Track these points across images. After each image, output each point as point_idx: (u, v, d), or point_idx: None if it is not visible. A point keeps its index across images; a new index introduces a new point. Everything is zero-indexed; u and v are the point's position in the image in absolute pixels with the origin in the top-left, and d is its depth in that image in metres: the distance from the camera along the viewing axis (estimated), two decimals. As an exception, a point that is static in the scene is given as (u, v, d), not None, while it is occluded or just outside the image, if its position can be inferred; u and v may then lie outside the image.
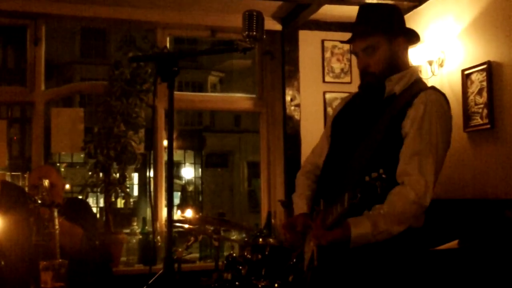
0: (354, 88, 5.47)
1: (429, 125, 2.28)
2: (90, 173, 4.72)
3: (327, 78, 5.27)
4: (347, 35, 5.53)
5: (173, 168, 2.05)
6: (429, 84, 2.57)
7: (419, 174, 2.22)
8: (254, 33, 2.02)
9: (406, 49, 2.54)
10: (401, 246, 2.29)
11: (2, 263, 3.28)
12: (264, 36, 2.04)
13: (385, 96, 2.42)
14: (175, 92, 2.02)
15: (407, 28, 2.53)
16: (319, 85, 5.26)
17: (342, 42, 2.57)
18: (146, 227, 4.90)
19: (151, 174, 5.12)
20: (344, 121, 2.59)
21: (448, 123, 2.40)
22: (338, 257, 2.33)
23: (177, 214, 6.34)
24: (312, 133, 5.15)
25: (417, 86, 2.43)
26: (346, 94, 5.24)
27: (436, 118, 2.30)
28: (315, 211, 2.35)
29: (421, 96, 2.33)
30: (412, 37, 2.54)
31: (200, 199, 22.45)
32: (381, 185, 1.88)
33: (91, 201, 13.69)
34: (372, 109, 2.43)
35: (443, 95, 2.44)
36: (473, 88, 4.00)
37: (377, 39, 2.42)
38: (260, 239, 3.72)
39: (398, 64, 2.46)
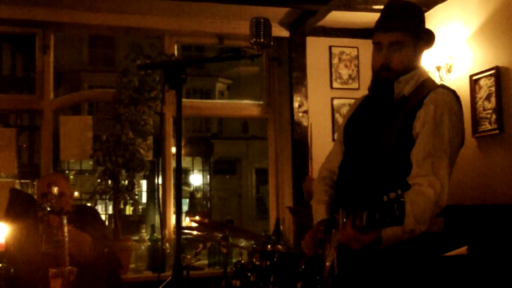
0: (362, 94, 5.46)
1: (440, 125, 2.26)
2: (98, 180, 4.73)
3: (335, 84, 5.27)
4: (354, 41, 5.58)
5: (181, 175, 2.05)
6: None
7: (433, 175, 2.21)
8: (262, 40, 2.02)
9: (422, 53, 2.53)
10: (423, 252, 2.29)
11: (12, 270, 3.29)
12: (272, 43, 2.04)
13: (394, 98, 2.41)
14: (183, 99, 2.03)
15: (430, 33, 2.50)
16: (327, 91, 5.26)
17: (375, 30, 2.49)
18: (155, 234, 4.90)
19: (160, 181, 5.13)
20: (356, 126, 2.58)
21: (460, 121, 2.38)
22: (358, 264, 2.32)
23: (185, 221, 6.35)
24: (320, 139, 5.15)
25: (426, 85, 2.41)
26: (354, 101, 5.28)
27: (447, 117, 2.28)
28: (336, 219, 2.34)
29: (430, 95, 2.32)
30: (431, 43, 2.52)
31: (209, 205, 22.45)
32: (399, 207, 1.88)
33: (100, 208, 13.74)
34: (383, 112, 2.42)
35: (453, 92, 2.42)
36: (482, 94, 3.99)
37: (407, 38, 2.40)
38: (269, 246, 3.71)
39: (412, 67, 2.44)
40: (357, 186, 2.36)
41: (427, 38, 2.48)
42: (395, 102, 2.40)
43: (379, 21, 2.49)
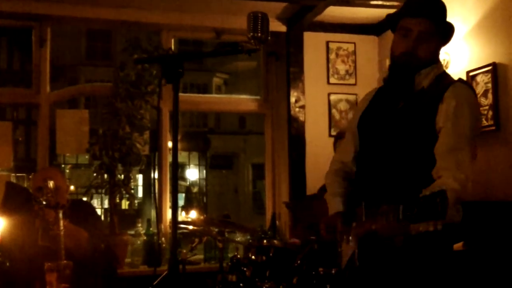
0: (358, 89, 5.49)
1: (462, 120, 2.28)
2: (95, 174, 4.73)
3: (332, 80, 5.27)
4: (352, 37, 5.57)
5: (177, 169, 2.05)
6: None
7: (457, 168, 2.23)
8: (259, 34, 2.01)
9: (441, 48, 2.54)
10: (445, 245, 2.32)
11: (7, 264, 3.28)
12: (269, 38, 2.04)
13: (414, 90, 2.41)
14: (180, 94, 2.02)
15: (451, 29, 2.50)
16: (324, 86, 5.26)
17: (403, 15, 2.45)
18: (151, 229, 4.90)
19: (156, 176, 5.13)
20: (372, 118, 2.56)
21: (478, 115, 2.44)
22: (379, 257, 2.33)
23: (181, 216, 6.34)
24: (317, 134, 5.15)
25: (444, 79, 2.43)
26: (350, 96, 5.31)
27: (468, 112, 2.31)
28: (357, 212, 2.35)
29: (450, 90, 2.33)
30: (449, 39, 2.52)
31: (205, 200, 22.44)
32: (442, 201, 1.87)
33: (95, 202, 13.73)
34: (402, 104, 2.42)
35: (471, 86, 2.48)
36: (478, 90, 3.99)
37: (435, 29, 2.40)
38: (265, 241, 3.71)
39: (433, 60, 2.45)
40: (378, 179, 2.38)
41: (448, 33, 2.49)
42: (413, 94, 2.41)
43: (408, 6, 2.46)
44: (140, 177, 18.96)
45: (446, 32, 2.47)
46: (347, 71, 5.30)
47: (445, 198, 1.86)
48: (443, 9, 2.46)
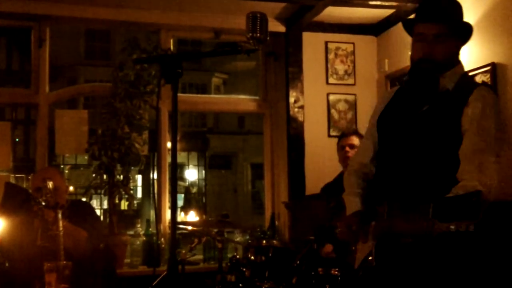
0: (357, 89, 5.48)
1: (487, 123, 2.30)
2: (94, 174, 4.73)
3: (331, 80, 5.27)
4: (350, 37, 5.56)
5: (176, 169, 2.05)
6: None
7: (481, 171, 2.23)
8: (258, 34, 2.01)
9: (461, 48, 2.54)
10: (466, 246, 2.32)
11: (7, 264, 3.28)
12: (268, 38, 2.04)
13: (438, 92, 2.41)
14: (179, 94, 2.02)
15: (469, 27, 2.50)
16: (323, 86, 5.26)
17: (417, 20, 2.46)
18: (150, 229, 4.90)
19: (155, 176, 5.13)
20: (394, 119, 2.56)
21: (501, 119, 2.43)
22: (396, 257, 2.33)
23: (180, 216, 6.34)
24: (316, 134, 5.15)
25: (467, 82, 2.46)
26: (349, 96, 5.31)
27: (493, 116, 2.33)
28: (378, 211, 2.36)
29: (475, 94, 2.34)
30: (469, 38, 2.52)
31: (204, 200, 22.43)
32: (477, 202, 1.86)
33: (95, 202, 13.71)
34: (426, 106, 2.42)
35: (493, 90, 2.47)
36: (477, 90, 3.99)
37: (451, 30, 2.41)
38: (264, 241, 3.72)
39: (453, 61, 2.46)
40: (402, 179, 2.38)
41: (467, 32, 2.49)
42: (437, 95, 2.41)
43: (422, 11, 2.47)
44: (139, 177, 18.94)
45: (462, 31, 2.47)
46: (346, 71, 5.30)
47: (480, 199, 1.86)
48: (456, 9, 2.47)
